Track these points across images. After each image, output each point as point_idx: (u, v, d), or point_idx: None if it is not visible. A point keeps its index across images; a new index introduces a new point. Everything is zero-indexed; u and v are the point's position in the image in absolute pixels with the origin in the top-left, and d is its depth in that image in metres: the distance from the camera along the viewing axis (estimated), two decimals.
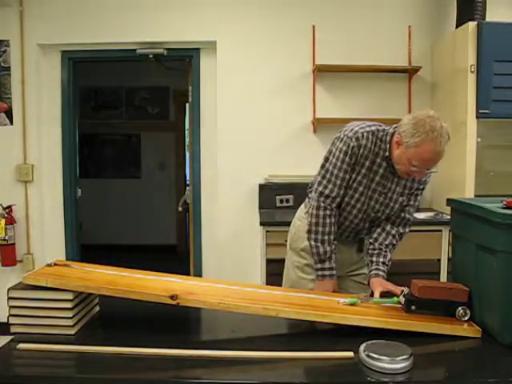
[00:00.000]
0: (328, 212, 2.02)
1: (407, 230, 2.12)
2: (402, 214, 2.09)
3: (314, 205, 2.04)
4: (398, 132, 1.87)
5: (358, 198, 2.02)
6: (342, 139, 1.96)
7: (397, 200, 2.03)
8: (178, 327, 1.67)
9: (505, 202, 1.58)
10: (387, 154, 1.93)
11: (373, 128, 1.95)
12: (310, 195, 2.19)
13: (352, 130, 1.96)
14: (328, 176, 2.01)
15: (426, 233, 3.16)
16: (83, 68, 4.20)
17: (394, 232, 2.09)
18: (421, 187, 2.07)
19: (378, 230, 2.09)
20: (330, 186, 2.00)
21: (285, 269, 2.34)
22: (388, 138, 1.93)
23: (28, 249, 3.81)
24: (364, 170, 1.97)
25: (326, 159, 2.04)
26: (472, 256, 1.61)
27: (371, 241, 2.09)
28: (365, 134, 1.93)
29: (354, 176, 1.98)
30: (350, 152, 1.94)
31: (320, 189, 2.03)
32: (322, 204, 2.02)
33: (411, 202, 2.08)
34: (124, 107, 6.46)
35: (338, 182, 1.99)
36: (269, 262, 3.17)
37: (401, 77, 3.75)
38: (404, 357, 1.29)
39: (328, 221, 2.02)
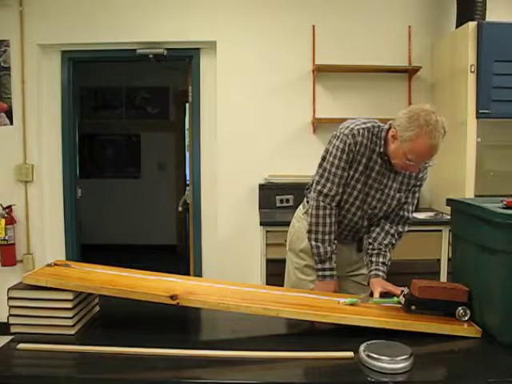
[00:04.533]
0: (328, 211, 2.02)
1: (406, 228, 2.12)
2: (401, 213, 2.08)
3: (313, 204, 2.04)
4: (393, 126, 1.88)
5: (356, 195, 2.02)
6: (339, 137, 1.98)
7: (394, 196, 2.03)
8: (178, 327, 1.67)
9: (505, 202, 1.58)
10: (381, 149, 1.93)
11: (368, 125, 1.96)
12: (308, 196, 2.19)
13: (348, 127, 1.97)
14: (326, 174, 2.01)
15: (425, 233, 3.16)
16: (83, 68, 4.20)
17: (392, 231, 2.08)
18: (418, 184, 2.06)
19: (377, 229, 2.09)
20: (329, 185, 2.00)
21: (286, 271, 2.34)
22: (383, 134, 1.94)
23: (28, 249, 3.81)
24: (361, 167, 1.97)
25: (324, 158, 2.05)
26: (472, 256, 1.61)
27: (370, 240, 2.09)
28: (360, 131, 1.94)
29: (351, 173, 1.99)
30: (346, 149, 1.95)
31: (319, 188, 2.03)
32: (321, 203, 2.02)
33: (409, 200, 2.08)
34: (124, 107, 6.46)
35: (337, 179, 1.99)
36: (269, 261, 3.16)
37: (401, 77, 3.75)
38: (404, 357, 1.29)
39: (328, 220, 2.02)
